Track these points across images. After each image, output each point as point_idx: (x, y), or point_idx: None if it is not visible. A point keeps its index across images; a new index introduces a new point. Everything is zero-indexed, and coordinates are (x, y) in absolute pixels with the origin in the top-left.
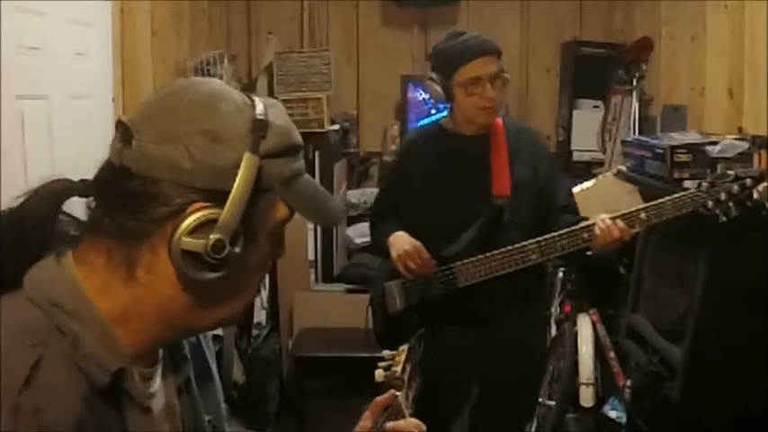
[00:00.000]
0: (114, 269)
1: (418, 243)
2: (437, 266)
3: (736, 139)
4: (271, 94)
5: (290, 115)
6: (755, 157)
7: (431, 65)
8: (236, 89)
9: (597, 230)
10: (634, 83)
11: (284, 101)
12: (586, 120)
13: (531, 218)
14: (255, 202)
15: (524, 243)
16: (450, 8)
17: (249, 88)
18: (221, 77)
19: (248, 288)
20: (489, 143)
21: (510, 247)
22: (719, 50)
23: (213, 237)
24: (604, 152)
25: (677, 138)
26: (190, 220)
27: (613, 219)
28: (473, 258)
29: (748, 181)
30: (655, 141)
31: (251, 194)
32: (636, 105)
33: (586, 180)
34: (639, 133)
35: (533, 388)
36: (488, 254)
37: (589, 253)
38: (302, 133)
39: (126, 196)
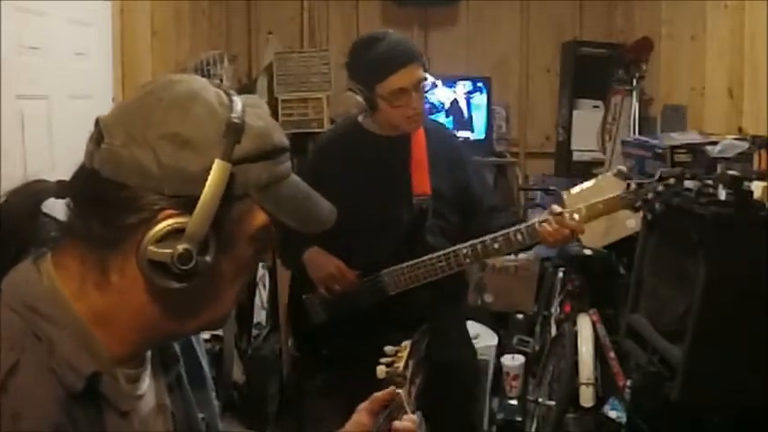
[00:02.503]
0: (88, 274)
1: (338, 262)
2: (363, 276)
3: (736, 139)
4: (271, 94)
5: (290, 115)
6: (755, 156)
7: (348, 74)
8: (217, 87)
9: (548, 227)
10: (634, 83)
11: (284, 101)
12: (586, 120)
13: (455, 220)
14: (228, 210)
15: (457, 247)
16: (450, 8)
17: (249, 88)
18: (221, 77)
19: (228, 293)
20: (410, 142)
21: (441, 252)
22: (719, 50)
23: (180, 246)
24: (604, 152)
25: (677, 138)
26: (156, 229)
27: (556, 215)
28: (403, 265)
29: (672, 180)
30: (655, 141)
31: (223, 202)
32: (636, 105)
33: (586, 180)
34: (639, 133)
35: (471, 385)
36: (420, 260)
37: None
38: (302, 133)
39: (95, 201)
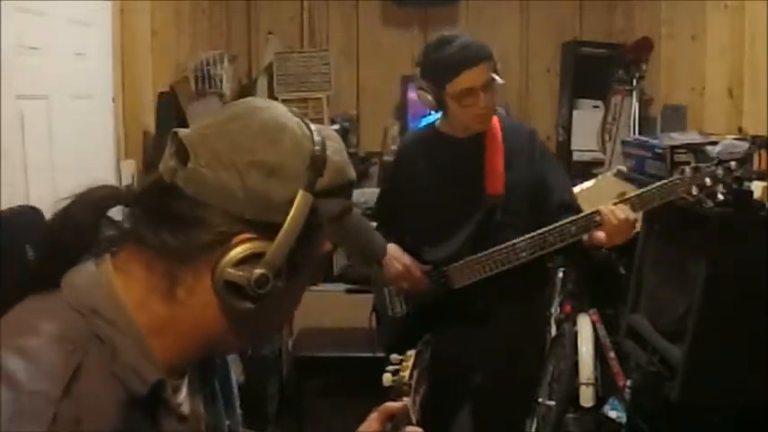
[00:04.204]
0: (154, 284)
1: (409, 260)
2: (431, 269)
3: (736, 139)
4: (271, 94)
5: None
6: (755, 157)
7: (420, 73)
8: (296, 116)
9: (603, 214)
10: (634, 83)
11: (284, 101)
12: (586, 120)
13: (528, 217)
14: (304, 239)
15: (514, 241)
16: (450, 8)
17: (249, 88)
18: (221, 77)
19: (286, 314)
20: (484, 143)
21: (499, 246)
22: (719, 50)
23: (258, 271)
24: (604, 152)
25: (677, 138)
26: (236, 252)
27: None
28: (465, 260)
29: (732, 164)
30: (655, 141)
31: (301, 231)
32: (636, 105)
33: (586, 180)
34: (639, 133)
35: (530, 388)
36: (479, 254)
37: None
38: None
39: (173, 216)
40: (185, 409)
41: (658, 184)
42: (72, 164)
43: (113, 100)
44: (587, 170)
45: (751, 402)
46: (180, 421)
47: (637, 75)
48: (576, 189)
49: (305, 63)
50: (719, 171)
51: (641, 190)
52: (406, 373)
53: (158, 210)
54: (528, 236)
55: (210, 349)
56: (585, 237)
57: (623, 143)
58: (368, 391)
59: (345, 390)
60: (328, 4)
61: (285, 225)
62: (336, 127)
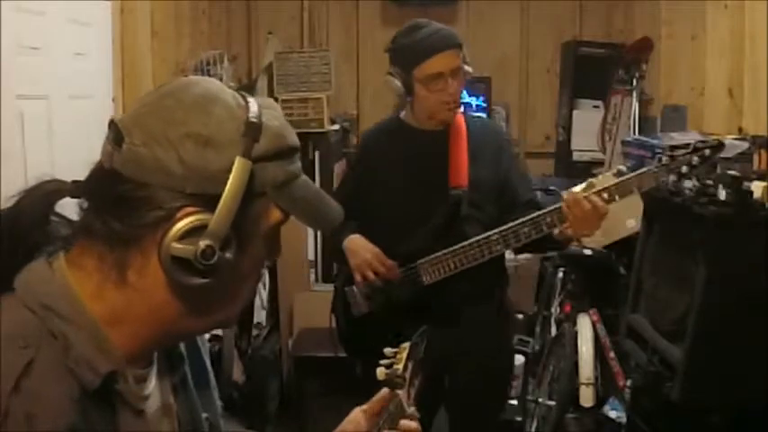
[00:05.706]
0: (106, 273)
1: (376, 249)
2: (400, 267)
3: (736, 139)
4: (271, 94)
5: (290, 115)
6: (755, 157)
7: (389, 58)
8: (231, 89)
9: (565, 205)
10: (634, 83)
11: (284, 101)
12: (586, 120)
13: (493, 212)
14: (247, 207)
15: (487, 234)
16: (450, 8)
17: (249, 88)
18: (221, 77)
19: (242, 291)
20: (448, 135)
21: (473, 240)
22: (719, 50)
23: (203, 243)
24: (604, 152)
25: (677, 138)
26: (179, 226)
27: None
28: (437, 254)
29: (707, 151)
30: (655, 141)
31: (243, 199)
32: (636, 105)
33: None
34: (639, 133)
35: (502, 383)
36: (452, 248)
37: (557, 230)
38: (302, 133)
39: (116, 200)
40: (155, 399)
41: (634, 173)
42: (72, 164)
43: (113, 100)
44: (587, 170)
45: (751, 402)
46: (136, 415)
47: (637, 75)
48: (576, 189)
49: (305, 63)
50: (695, 158)
51: (620, 179)
52: (400, 366)
53: (102, 197)
54: (501, 228)
55: (173, 334)
56: (556, 230)
57: (623, 143)
58: (368, 391)
59: (345, 390)
60: (328, 4)
61: (224, 193)
62: (336, 127)
